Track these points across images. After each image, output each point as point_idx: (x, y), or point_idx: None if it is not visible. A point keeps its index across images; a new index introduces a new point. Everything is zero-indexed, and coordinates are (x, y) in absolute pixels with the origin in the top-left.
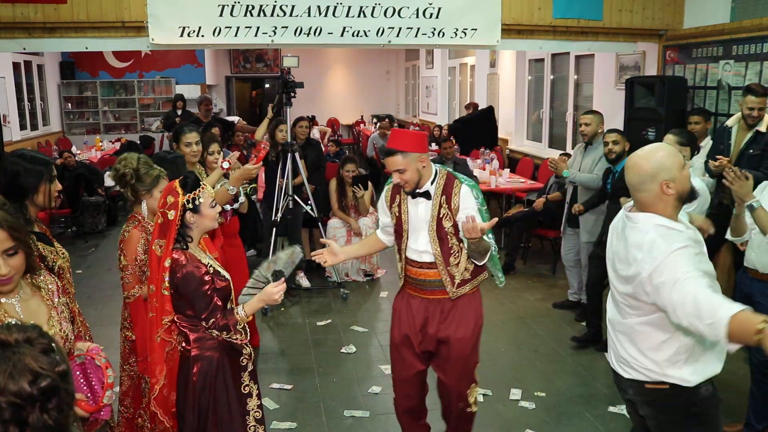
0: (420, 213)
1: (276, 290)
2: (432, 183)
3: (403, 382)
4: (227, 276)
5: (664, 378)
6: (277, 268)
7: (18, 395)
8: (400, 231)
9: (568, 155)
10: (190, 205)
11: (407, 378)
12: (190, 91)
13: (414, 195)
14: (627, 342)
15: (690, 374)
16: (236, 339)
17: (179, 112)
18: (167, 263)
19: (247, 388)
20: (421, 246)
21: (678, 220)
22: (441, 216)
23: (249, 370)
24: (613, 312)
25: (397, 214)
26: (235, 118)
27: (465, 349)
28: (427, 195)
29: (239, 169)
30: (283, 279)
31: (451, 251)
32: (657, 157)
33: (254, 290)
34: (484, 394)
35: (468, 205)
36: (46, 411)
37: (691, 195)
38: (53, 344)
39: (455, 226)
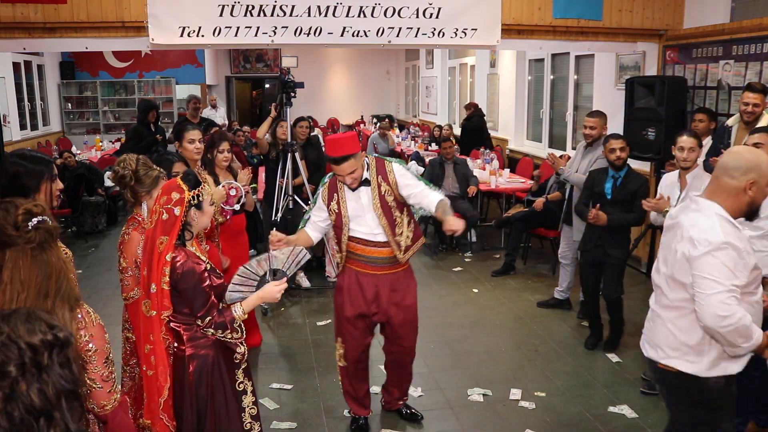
0: (363, 200)
1: (277, 289)
2: (367, 171)
3: (355, 351)
4: (221, 274)
5: (676, 364)
6: (275, 266)
7: (39, 340)
8: (339, 224)
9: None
10: (195, 202)
11: (360, 347)
12: (191, 91)
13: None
14: (667, 321)
15: (706, 367)
16: (232, 337)
17: (153, 128)
18: (168, 257)
19: (242, 385)
20: (370, 227)
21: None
22: (383, 193)
23: (243, 367)
24: (659, 294)
25: (336, 211)
26: (218, 116)
27: (415, 313)
28: (366, 182)
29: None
30: (285, 278)
31: (395, 222)
32: (763, 158)
33: (242, 287)
34: (484, 394)
35: (406, 176)
36: (61, 361)
37: (755, 212)
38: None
39: (396, 200)
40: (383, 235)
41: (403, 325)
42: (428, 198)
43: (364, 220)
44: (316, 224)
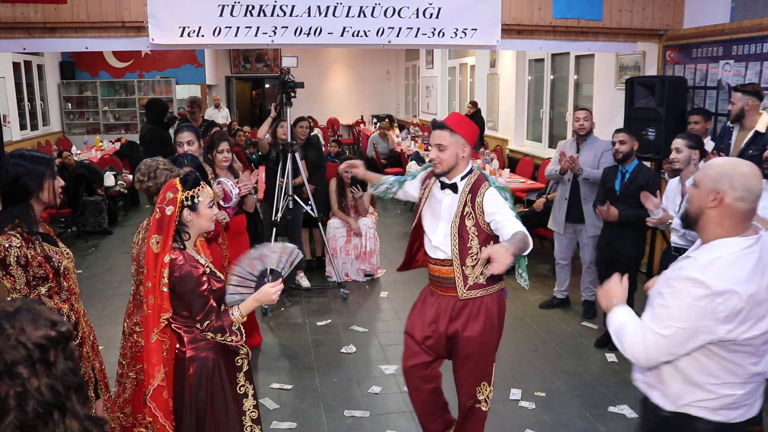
0: (444, 204)
1: (273, 290)
2: (462, 179)
3: (410, 370)
4: (222, 277)
5: None
6: (269, 266)
7: (44, 338)
8: (419, 221)
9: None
10: (189, 203)
11: (413, 366)
12: (191, 92)
13: (442, 184)
14: None
15: None
16: (231, 341)
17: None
18: (167, 259)
19: (242, 388)
20: (436, 240)
21: None
22: (465, 214)
23: (245, 370)
24: None
25: (422, 197)
26: (221, 116)
27: (474, 347)
28: (454, 188)
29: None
30: (280, 279)
31: (470, 251)
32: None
33: (241, 288)
34: None
35: (495, 203)
36: (66, 355)
37: None
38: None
39: (477, 226)
40: (443, 252)
41: (458, 357)
42: (506, 228)
43: (436, 227)
44: (410, 192)
